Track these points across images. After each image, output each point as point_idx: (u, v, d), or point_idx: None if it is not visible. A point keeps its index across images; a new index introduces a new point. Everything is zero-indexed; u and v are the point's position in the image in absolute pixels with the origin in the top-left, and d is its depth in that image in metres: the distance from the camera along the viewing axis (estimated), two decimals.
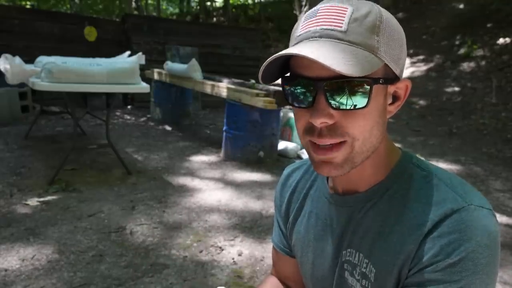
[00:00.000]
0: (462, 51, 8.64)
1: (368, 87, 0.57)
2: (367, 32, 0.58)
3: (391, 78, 0.62)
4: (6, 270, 2.11)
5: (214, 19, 16.54)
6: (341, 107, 0.58)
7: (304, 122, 0.62)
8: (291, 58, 0.61)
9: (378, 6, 0.62)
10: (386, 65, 0.60)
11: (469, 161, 4.91)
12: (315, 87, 0.58)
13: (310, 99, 0.59)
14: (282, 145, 4.54)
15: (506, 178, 4.27)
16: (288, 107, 5.24)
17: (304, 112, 0.61)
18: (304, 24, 0.61)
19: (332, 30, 0.57)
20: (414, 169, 0.67)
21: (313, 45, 0.57)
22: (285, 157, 4.47)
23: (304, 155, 4.48)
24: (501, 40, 8.31)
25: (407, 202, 0.64)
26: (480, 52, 8.31)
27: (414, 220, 0.62)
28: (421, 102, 7.72)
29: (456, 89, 7.79)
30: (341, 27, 0.57)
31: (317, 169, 0.64)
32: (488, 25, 8.89)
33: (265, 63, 0.59)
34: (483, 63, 8.10)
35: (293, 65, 0.61)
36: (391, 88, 0.64)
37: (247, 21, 15.25)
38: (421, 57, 9.20)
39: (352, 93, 0.57)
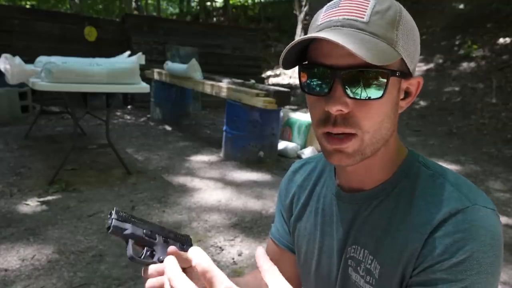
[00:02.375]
0: (462, 51, 8.64)
1: (385, 79, 0.58)
2: (388, 25, 0.59)
3: (406, 73, 0.63)
4: (6, 270, 2.11)
5: (214, 19, 16.54)
6: (356, 97, 0.59)
7: (319, 111, 0.63)
8: (310, 46, 0.62)
9: (398, 3, 0.63)
10: (402, 60, 0.61)
11: (469, 161, 4.91)
12: (333, 75, 0.59)
13: (327, 87, 0.60)
14: (282, 145, 4.54)
15: (506, 178, 4.27)
16: (288, 107, 5.24)
17: (320, 101, 0.62)
18: (326, 14, 0.61)
19: (354, 20, 0.58)
20: (420, 168, 0.68)
21: (334, 32, 0.57)
22: (285, 157, 4.47)
23: (304, 155, 4.48)
24: (501, 40, 8.31)
25: (413, 201, 0.65)
26: (480, 52, 8.31)
27: (419, 218, 0.62)
28: (421, 102, 7.72)
29: (456, 89, 7.79)
30: (363, 18, 0.58)
31: (329, 158, 0.65)
32: (488, 25, 8.89)
33: (287, 48, 0.60)
34: (483, 63, 8.10)
35: (312, 53, 0.62)
36: (404, 84, 0.64)
37: (247, 21, 15.26)
38: (421, 57, 9.17)
39: (369, 83, 0.58)
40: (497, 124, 6.32)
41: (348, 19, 0.59)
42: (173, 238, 0.64)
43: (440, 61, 8.86)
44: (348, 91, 0.59)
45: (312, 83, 0.62)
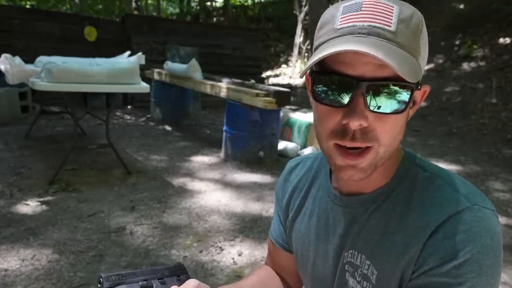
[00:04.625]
0: (462, 51, 8.63)
1: (409, 92, 0.56)
2: (412, 35, 0.56)
3: (419, 83, 0.60)
4: (6, 270, 2.11)
5: (214, 19, 16.54)
6: (378, 110, 0.56)
7: (333, 123, 0.59)
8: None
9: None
10: None
11: (469, 161, 4.91)
12: (355, 86, 0.55)
13: (347, 98, 0.56)
14: (282, 145, 4.54)
15: (506, 178, 4.27)
16: (288, 107, 5.24)
17: (335, 112, 0.58)
18: (346, 17, 0.56)
19: (381, 28, 0.54)
20: (417, 170, 0.66)
21: (361, 42, 0.53)
22: (285, 157, 4.46)
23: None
24: (501, 40, 8.31)
25: (411, 204, 0.63)
26: (480, 52, 8.31)
27: (418, 221, 0.61)
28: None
29: (456, 89, 7.79)
30: (390, 26, 0.54)
31: (341, 173, 0.62)
32: (488, 25, 8.88)
33: (315, 59, 0.55)
34: (483, 63, 8.10)
35: (330, 59, 0.57)
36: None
37: (247, 21, 15.27)
38: None
39: (393, 97, 0.55)
40: (497, 124, 6.32)
41: (374, 26, 0.54)
42: (168, 275, 0.62)
43: (440, 61, 8.86)
44: (370, 104, 0.55)
45: (327, 93, 0.58)
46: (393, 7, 0.56)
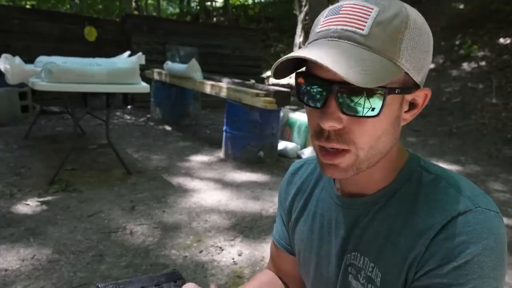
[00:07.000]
0: (462, 51, 8.63)
1: (381, 97, 0.55)
2: (390, 38, 0.55)
3: (410, 86, 0.59)
4: (6, 270, 2.11)
5: (214, 19, 16.54)
6: (351, 113, 0.56)
7: (314, 123, 0.61)
8: None
9: (408, 7, 0.58)
10: (406, 73, 0.57)
11: (469, 161, 4.91)
12: (328, 89, 0.56)
13: (322, 100, 0.57)
14: (282, 145, 4.54)
15: (505, 179, 4.27)
16: (288, 107, 5.24)
17: (315, 113, 0.60)
18: (326, 20, 0.58)
19: (352, 32, 0.55)
20: (421, 173, 0.66)
21: (329, 46, 0.54)
22: (285, 157, 4.47)
23: (304, 155, 4.48)
24: (501, 40, 8.31)
25: (415, 206, 0.63)
26: (480, 52, 8.31)
27: (422, 224, 0.61)
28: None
29: (456, 89, 7.79)
30: (362, 29, 0.54)
31: (323, 171, 0.64)
32: (488, 25, 8.88)
33: (277, 62, 0.57)
34: (483, 63, 8.10)
35: (310, 62, 0.58)
36: (409, 96, 0.61)
37: (247, 21, 15.27)
38: None
39: (365, 100, 0.55)
40: (497, 124, 6.32)
41: (346, 30, 0.55)
42: (164, 281, 0.63)
43: (440, 61, 8.86)
44: (343, 107, 0.56)
45: (307, 94, 0.60)
46: (372, 9, 0.55)
